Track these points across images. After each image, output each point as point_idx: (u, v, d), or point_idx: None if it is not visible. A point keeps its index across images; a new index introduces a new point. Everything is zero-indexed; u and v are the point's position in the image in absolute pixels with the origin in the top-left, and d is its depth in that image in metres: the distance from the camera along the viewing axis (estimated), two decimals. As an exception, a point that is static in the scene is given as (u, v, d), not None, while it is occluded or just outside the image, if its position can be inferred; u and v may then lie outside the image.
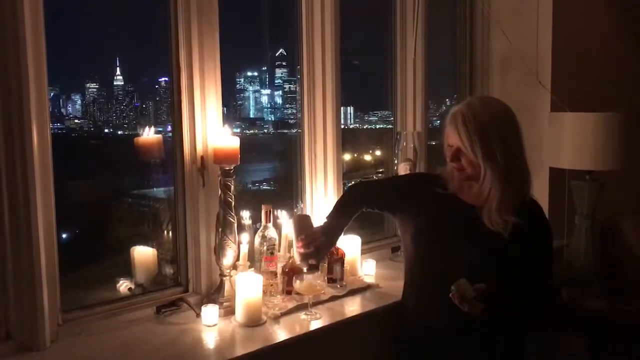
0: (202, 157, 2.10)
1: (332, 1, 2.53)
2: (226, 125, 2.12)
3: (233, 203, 2.04)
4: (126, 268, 2.15)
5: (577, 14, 3.10)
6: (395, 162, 2.75)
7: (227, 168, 2.03)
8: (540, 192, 2.77)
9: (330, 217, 2.04)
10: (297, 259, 1.97)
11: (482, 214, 1.89)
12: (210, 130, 2.12)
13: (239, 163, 2.05)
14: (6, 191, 1.68)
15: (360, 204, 2.10)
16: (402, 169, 2.65)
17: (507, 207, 1.87)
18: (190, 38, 2.09)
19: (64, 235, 2.05)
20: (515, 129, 1.90)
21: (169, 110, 2.19)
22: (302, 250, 1.93)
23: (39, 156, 1.72)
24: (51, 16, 1.78)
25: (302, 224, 2.00)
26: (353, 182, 2.94)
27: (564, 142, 2.59)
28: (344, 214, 2.07)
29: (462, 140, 1.85)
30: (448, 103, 3.64)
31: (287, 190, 2.71)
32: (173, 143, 2.15)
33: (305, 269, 1.98)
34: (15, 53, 1.63)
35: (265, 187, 3.03)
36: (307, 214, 2.48)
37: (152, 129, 2.17)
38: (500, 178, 1.85)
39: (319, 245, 1.93)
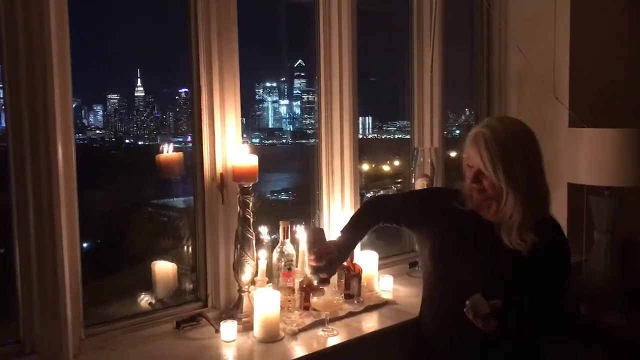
0: (221, 175, 2.13)
1: (349, 12, 2.54)
2: (245, 144, 2.15)
3: (251, 220, 2.07)
4: (146, 281, 2.19)
5: (595, 28, 3.08)
6: (413, 177, 2.76)
7: (246, 185, 2.06)
8: (559, 207, 2.76)
9: (344, 231, 2.06)
10: (309, 272, 1.99)
11: (502, 232, 1.90)
12: (229, 148, 2.15)
13: (257, 180, 2.08)
14: (32, 206, 1.71)
15: (376, 219, 2.12)
16: (419, 185, 2.66)
17: (527, 228, 1.87)
18: (210, 57, 2.12)
19: (84, 245, 2.08)
20: (537, 151, 1.90)
21: (190, 122, 2.22)
22: (313, 264, 1.95)
23: (64, 169, 1.76)
24: (75, 29, 1.82)
25: (315, 237, 2.01)
26: (370, 196, 2.96)
27: (582, 158, 2.56)
28: (359, 229, 2.08)
29: (484, 163, 1.85)
30: (467, 113, 3.63)
31: (305, 200, 2.72)
32: (193, 161, 2.18)
33: (316, 282, 2.00)
34: (42, 66, 1.67)
35: (283, 197, 3.05)
36: (321, 227, 2.50)
37: (171, 145, 2.21)
38: (522, 201, 1.85)
39: (330, 259, 1.94)
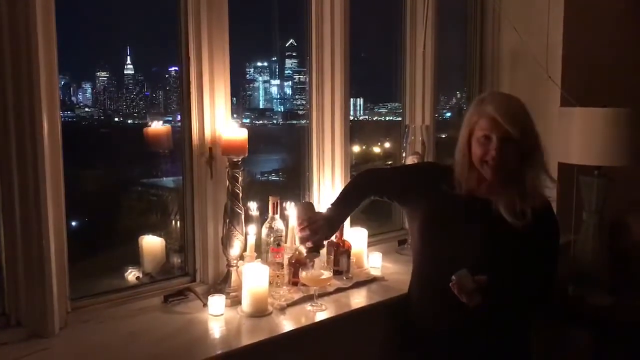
0: (210, 149, 2.11)
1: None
2: (234, 117, 2.13)
3: (240, 194, 2.06)
4: (135, 257, 2.17)
5: (589, 8, 3.08)
6: (404, 155, 2.75)
7: (235, 159, 2.04)
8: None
9: (334, 204, 2.05)
10: (298, 243, 2.00)
11: (500, 204, 1.88)
12: (218, 121, 2.13)
13: (247, 154, 2.06)
14: (17, 181, 1.69)
15: (367, 192, 2.11)
16: (410, 163, 2.65)
17: (532, 197, 1.89)
18: (199, 30, 2.09)
19: (73, 223, 2.07)
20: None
21: (179, 100, 2.20)
22: (300, 233, 1.95)
23: (49, 145, 1.73)
24: (62, 5, 1.78)
25: (304, 209, 2.01)
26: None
27: (573, 138, 2.57)
28: (349, 202, 2.07)
29: (510, 127, 1.82)
30: (458, 95, 3.63)
31: (295, 181, 2.71)
32: (182, 134, 2.15)
33: (305, 252, 1.99)
34: (27, 42, 1.64)
35: (274, 177, 3.04)
36: (311, 201, 2.49)
37: (160, 120, 2.19)
38: (539, 167, 1.91)
39: (317, 228, 1.94)
